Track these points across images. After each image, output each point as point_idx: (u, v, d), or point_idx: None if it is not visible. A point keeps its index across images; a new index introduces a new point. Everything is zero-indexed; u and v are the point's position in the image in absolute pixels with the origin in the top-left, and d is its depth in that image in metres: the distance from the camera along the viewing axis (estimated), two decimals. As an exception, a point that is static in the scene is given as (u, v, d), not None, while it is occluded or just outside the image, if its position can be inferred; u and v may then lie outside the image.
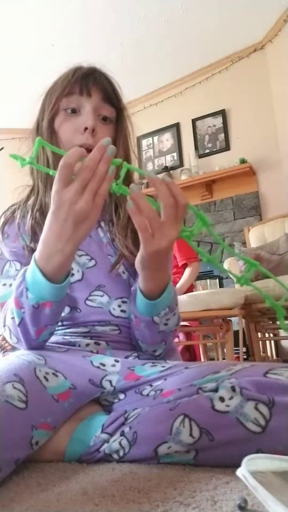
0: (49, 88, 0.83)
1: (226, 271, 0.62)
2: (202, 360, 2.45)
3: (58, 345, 0.76)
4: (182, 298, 1.98)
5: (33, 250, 0.77)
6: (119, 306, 0.78)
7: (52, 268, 0.61)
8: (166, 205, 0.56)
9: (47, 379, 0.63)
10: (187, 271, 2.52)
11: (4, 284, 0.78)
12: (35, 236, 0.78)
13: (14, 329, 0.70)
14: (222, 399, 0.54)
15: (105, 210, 0.83)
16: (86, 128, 0.76)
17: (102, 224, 0.83)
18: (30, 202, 0.83)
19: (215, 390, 0.57)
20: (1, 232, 0.82)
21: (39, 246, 0.62)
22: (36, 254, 0.63)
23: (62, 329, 0.78)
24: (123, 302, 0.79)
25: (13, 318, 0.69)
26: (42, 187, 0.81)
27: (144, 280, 0.68)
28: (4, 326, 0.73)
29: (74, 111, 0.78)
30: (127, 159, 0.84)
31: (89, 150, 0.75)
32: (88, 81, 0.78)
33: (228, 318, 2.09)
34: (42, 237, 0.61)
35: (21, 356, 0.67)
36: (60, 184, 0.54)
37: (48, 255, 0.61)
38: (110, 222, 0.82)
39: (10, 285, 0.75)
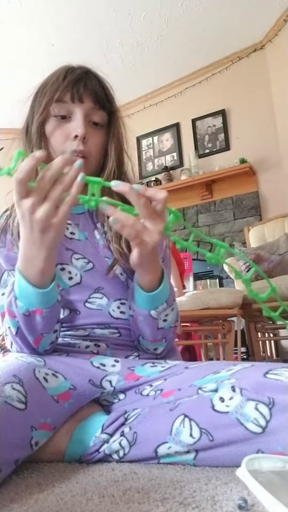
0: (38, 89, 0.81)
1: (199, 251, 0.63)
2: (202, 360, 2.45)
3: (58, 346, 0.76)
4: (181, 298, 1.98)
5: None
6: (118, 307, 0.78)
7: (34, 274, 0.62)
8: (140, 206, 0.56)
9: (46, 380, 0.63)
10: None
11: (3, 294, 0.77)
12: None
13: (13, 339, 0.71)
14: (222, 399, 0.54)
15: (100, 212, 0.82)
16: (76, 136, 0.75)
17: (99, 226, 0.83)
18: None
19: (215, 390, 0.57)
20: None
21: (19, 253, 0.62)
22: (18, 261, 0.63)
23: (62, 331, 0.78)
24: (122, 303, 0.78)
25: (9, 328, 0.70)
26: None
27: (142, 275, 0.69)
28: (6, 335, 0.74)
29: (64, 117, 0.77)
30: (120, 162, 0.83)
31: (80, 156, 0.76)
32: (79, 87, 0.77)
33: (230, 319, 2.09)
34: (20, 244, 0.62)
35: (20, 357, 0.67)
36: (18, 196, 0.55)
37: (27, 261, 0.61)
38: (105, 223, 0.82)
39: None
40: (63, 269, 0.77)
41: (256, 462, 0.43)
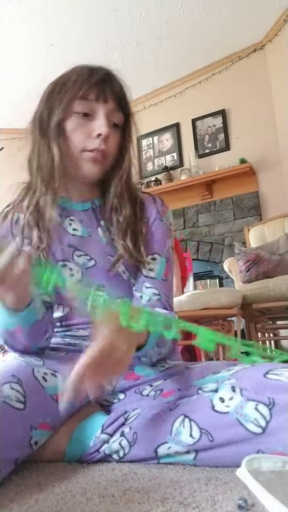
0: (53, 87, 0.79)
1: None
2: (202, 360, 2.45)
3: (58, 346, 0.76)
4: (181, 297, 1.98)
5: None
6: None
7: (9, 299, 0.61)
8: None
9: (45, 380, 0.63)
10: None
11: None
12: (25, 239, 0.77)
13: (4, 344, 0.71)
14: (222, 400, 0.54)
15: (104, 209, 0.82)
16: (99, 134, 0.75)
17: (102, 223, 0.82)
18: (25, 202, 0.80)
19: (215, 390, 0.57)
20: None
21: None
22: None
23: (62, 331, 0.78)
24: None
25: None
26: (41, 186, 0.78)
27: None
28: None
29: (86, 114, 0.77)
30: (129, 164, 0.83)
31: (100, 155, 0.75)
32: (105, 88, 0.76)
33: (230, 319, 2.09)
34: None
35: (19, 357, 0.67)
36: None
37: None
38: (109, 221, 0.81)
39: None
40: (64, 265, 0.77)
41: (256, 462, 0.43)
